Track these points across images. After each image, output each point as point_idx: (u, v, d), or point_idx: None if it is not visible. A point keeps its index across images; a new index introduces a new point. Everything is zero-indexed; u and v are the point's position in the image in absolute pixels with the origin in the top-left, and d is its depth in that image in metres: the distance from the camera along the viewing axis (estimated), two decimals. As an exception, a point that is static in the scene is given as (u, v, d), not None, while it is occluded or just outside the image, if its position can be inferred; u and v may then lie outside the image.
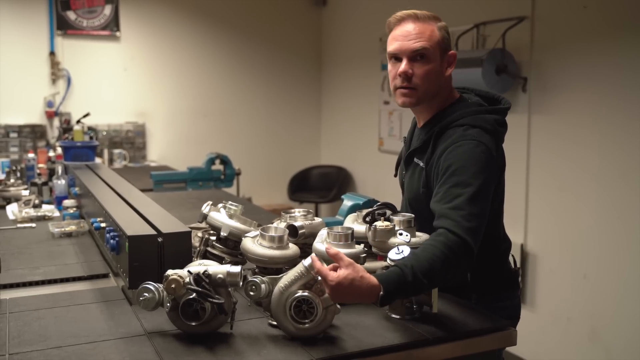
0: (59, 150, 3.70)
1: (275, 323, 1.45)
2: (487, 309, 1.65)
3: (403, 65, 1.76)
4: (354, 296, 1.41)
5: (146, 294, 1.40)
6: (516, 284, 1.92)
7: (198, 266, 1.42)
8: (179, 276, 1.38)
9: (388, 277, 1.43)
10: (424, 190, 1.75)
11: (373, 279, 1.41)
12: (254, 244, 1.59)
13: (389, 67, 1.83)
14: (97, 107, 5.51)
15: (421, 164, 1.79)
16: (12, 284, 1.87)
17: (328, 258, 1.48)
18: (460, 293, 1.75)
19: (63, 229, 2.50)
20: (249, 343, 1.39)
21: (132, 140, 5.79)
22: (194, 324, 1.39)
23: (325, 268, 1.40)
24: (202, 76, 6.18)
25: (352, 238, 1.61)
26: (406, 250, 1.47)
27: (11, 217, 2.86)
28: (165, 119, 6.05)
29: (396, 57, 1.80)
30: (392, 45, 1.80)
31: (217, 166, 4.07)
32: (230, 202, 1.82)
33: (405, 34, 1.76)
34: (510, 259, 1.92)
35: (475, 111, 1.78)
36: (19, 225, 2.68)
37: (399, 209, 1.81)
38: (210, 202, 1.81)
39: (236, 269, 1.40)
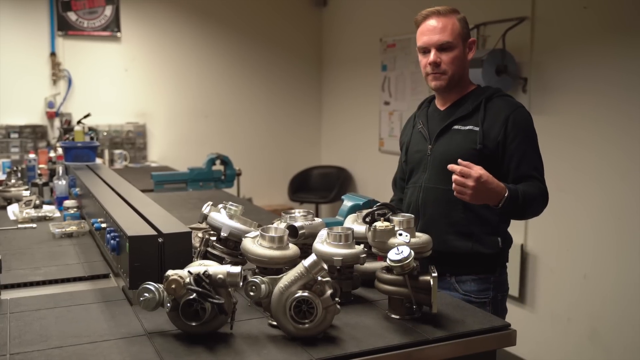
0: (60, 150, 3.70)
1: (275, 323, 1.46)
2: (502, 282, 2.11)
3: (432, 56, 2.05)
4: (488, 191, 1.83)
5: (147, 294, 1.40)
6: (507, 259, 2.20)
7: (198, 266, 1.42)
8: (179, 276, 1.38)
9: (509, 186, 1.89)
10: (481, 147, 2.02)
11: (501, 183, 1.87)
12: (254, 244, 1.59)
13: (420, 58, 2.12)
14: (98, 107, 5.53)
15: (469, 127, 2.07)
16: (13, 284, 1.88)
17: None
18: (491, 265, 2.08)
19: (64, 230, 2.50)
20: (249, 343, 1.40)
21: (132, 141, 5.80)
22: (194, 324, 1.39)
23: (465, 163, 1.80)
24: (202, 77, 6.19)
25: (352, 238, 1.61)
26: (406, 251, 1.47)
27: (12, 217, 2.86)
28: (166, 120, 6.06)
29: (425, 50, 2.08)
30: (420, 40, 2.09)
31: (218, 167, 4.08)
32: (230, 203, 1.83)
33: (431, 29, 2.06)
34: None
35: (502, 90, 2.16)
36: (19, 225, 2.68)
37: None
38: (211, 203, 1.81)
39: (236, 269, 1.40)
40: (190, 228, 1.77)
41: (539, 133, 2.10)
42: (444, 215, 2.06)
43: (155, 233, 1.63)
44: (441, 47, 2.04)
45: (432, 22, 2.06)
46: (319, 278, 1.39)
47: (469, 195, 1.82)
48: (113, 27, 5.74)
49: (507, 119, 2.03)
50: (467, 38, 2.10)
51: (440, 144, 2.13)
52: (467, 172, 1.79)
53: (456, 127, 2.10)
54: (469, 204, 1.94)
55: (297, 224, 1.71)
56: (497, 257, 2.10)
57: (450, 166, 1.83)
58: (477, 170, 1.80)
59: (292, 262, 1.55)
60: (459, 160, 1.83)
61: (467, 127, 2.08)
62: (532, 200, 1.96)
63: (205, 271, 1.39)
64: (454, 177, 1.82)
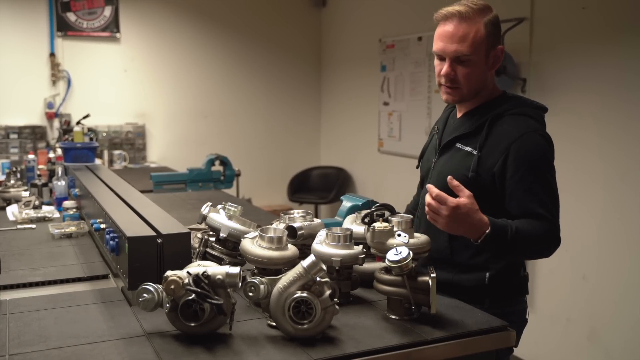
0: (59, 151, 3.70)
1: (274, 324, 1.46)
2: (497, 314, 1.64)
3: (445, 67, 1.78)
4: (465, 224, 1.60)
5: (146, 295, 1.41)
6: (525, 290, 1.92)
7: (197, 267, 1.42)
8: (178, 277, 1.38)
9: (496, 222, 1.64)
10: (473, 175, 1.76)
11: (485, 217, 1.62)
12: (253, 245, 1.59)
13: (435, 62, 1.84)
14: (97, 108, 5.53)
15: (468, 149, 1.81)
16: (12, 285, 1.88)
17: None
18: (475, 297, 1.76)
19: (63, 230, 2.50)
20: (248, 343, 1.40)
21: (132, 142, 5.80)
22: (193, 324, 1.40)
23: (455, 184, 1.60)
24: (202, 77, 6.19)
25: (350, 239, 1.61)
26: (404, 252, 1.47)
27: (11, 218, 2.86)
28: (165, 120, 6.06)
29: (440, 57, 1.81)
30: (436, 45, 1.80)
31: (217, 167, 4.08)
32: (229, 203, 1.83)
33: (449, 35, 1.76)
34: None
35: (526, 104, 1.85)
36: (19, 226, 2.68)
37: (398, 210, 1.81)
38: (210, 203, 1.81)
39: (235, 270, 1.40)
40: (189, 229, 1.77)
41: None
42: (432, 239, 1.66)
43: (154, 234, 1.63)
44: (458, 59, 1.76)
45: (451, 27, 1.75)
46: (318, 279, 1.40)
47: (442, 224, 1.62)
48: (112, 27, 5.74)
49: (509, 148, 1.73)
50: (494, 46, 1.79)
51: (441, 162, 1.90)
52: (443, 199, 1.59)
53: (458, 145, 1.85)
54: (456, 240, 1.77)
55: (296, 225, 1.71)
56: (484, 290, 1.81)
57: (428, 186, 1.63)
58: (457, 200, 1.59)
59: (291, 262, 1.55)
60: (449, 179, 1.63)
61: (467, 149, 1.82)
62: (527, 240, 1.67)
63: (204, 272, 1.39)
64: (428, 199, 1.62)
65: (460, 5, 1.77)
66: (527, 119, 1.78)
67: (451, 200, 1.58)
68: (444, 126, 1.98)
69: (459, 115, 1.92)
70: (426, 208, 1.64)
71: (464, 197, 1.60)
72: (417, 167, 2.10)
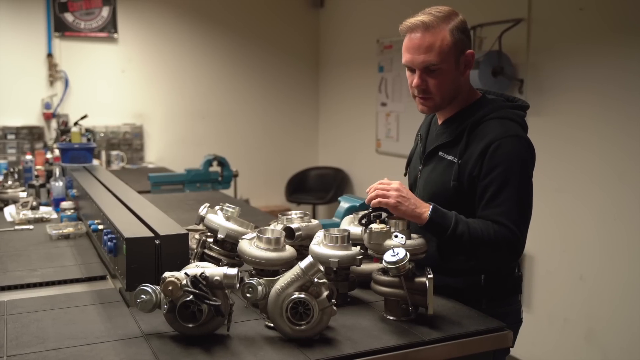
0: (57, 152, 3.70)
1: (271, 325, 1.46)
2: (494, 315, 1.64)
3: (416, 79, 1.77)
4: (411, 199, 1.64)
5: (143, 296, 1.41)
6: (519, 289, 1.94)
7: (195, 268, 1.43)
8: (176, 278, 1.38)
9: (440, 208, 1.66)
10: (455, 184, 1.75)
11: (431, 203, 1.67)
12: (250, 246, 1.59)
13: (407, 73, 1.83)
14: (95, 108, 5.53)
15: (450, 157, 1.80)
16: (10, 286, 1.88)
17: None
18: (471, 298, 1.74)
19: (61, 231, 2.50)
20: (246, 345, 1.40)
21: (129, 142, 5.80)
22: (191, 325, 1.40)
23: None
24: (199, 78, 6.19)
25: (348, 240, 1.62)
26: (401, 253, 1.48)
27: (9, 219, 2.86)
28: (163, 121, 6.06)
29: (410, 68, 1.80)
30: (404, 57, 1.79)
31: (215, 168, 4.08)
32: (227, 204, 1.83)
33: (415, 46, 1.75)
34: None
35: (505, 106, 1.81)
36: (16, 227, 2.68)
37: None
38: (208, 204, 1.82)
39: (233, 271, 1.41)
40: (187, 230, 1.77)
41: (535, 134, 1.87)
42: None
43: (152, 235, 1.63)
44: (427, 69, 1.74)
45: (417, 37, 1.74)
46: (316, 280, 1.40)
47: (393, 199, 1.63)
48: (110, 28, 5.74)
49: (486, 150, 1.70)
50: (463, 51, 1.76)
51: (426, 171, 1.90)
52: (384, 183, 1.68)
53: (441, 153, 1.84)
54: (440, 243, 1.76)
55: (293, 226, 1.71)
56: (480, 291, 1.80)
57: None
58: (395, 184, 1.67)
59: (289, 263, 1.55)
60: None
61: (449, 157, 1.80)
62: (476, 238, 1.64)
63: (202, 273, 1.40)
64: (374, 186, 1.68)
65: (424, 14, 1.77)
66: (506, 122, 1.75)
67: (392, 182, 1.67)
68: (427, 133, 1.97)
69: (439, 122, 1.90)
70: (374, 193, 1.67)
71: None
72: (405, 175, 2.09)
